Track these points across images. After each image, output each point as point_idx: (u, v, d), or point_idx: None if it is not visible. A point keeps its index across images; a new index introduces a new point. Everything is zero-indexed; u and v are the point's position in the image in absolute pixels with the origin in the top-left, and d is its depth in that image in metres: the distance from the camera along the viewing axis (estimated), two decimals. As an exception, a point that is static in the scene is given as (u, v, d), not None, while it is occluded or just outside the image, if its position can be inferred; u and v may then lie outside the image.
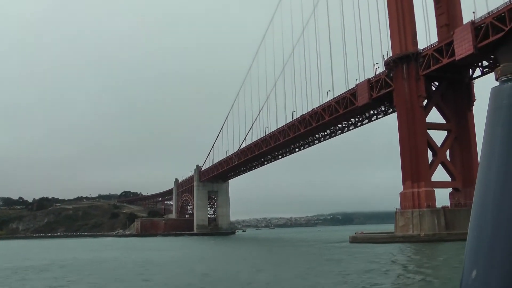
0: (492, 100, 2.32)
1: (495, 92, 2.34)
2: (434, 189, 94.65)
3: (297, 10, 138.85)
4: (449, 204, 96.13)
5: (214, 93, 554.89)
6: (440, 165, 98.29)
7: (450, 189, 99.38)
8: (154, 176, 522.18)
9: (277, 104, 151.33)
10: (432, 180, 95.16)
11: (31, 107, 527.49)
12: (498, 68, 2.38)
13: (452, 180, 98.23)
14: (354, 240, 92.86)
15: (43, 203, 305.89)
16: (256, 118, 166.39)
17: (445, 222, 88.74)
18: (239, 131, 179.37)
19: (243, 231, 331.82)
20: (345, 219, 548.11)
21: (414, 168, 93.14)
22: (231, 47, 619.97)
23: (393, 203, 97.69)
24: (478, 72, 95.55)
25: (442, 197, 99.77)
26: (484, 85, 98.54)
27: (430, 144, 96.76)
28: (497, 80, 2.38)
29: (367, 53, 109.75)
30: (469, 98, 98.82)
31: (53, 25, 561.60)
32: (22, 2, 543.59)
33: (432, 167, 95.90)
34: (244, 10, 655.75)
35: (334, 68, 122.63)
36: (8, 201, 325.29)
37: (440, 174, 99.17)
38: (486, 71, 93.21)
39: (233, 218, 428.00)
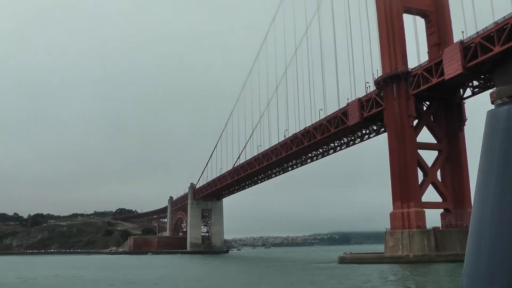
0: (488, 124, 2.49)
1: (491, 115, 2.49)
2: (425, 209, 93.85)
3: (290, 31, 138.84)
4: (440, 225, 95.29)
5: (208, 111, 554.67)
6: (431, 185, 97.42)
7: (442, 210, 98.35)
8: (150, 193, 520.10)
9: (271, 123, 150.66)
10: (422, 201, 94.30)
11: (25, 124, 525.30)
12: (494, 91, 2.56)
13: (443, 200, 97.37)
14: (342, 260, 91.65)
15: (38, 219, 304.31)
16: (250, 136, 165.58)
17: (435, 243, 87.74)
18: (233, 149, 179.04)
19: (238, 250, 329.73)
20: (342, 238, 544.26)
21: (404, 188, 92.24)
22: (225, 66, 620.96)
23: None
24: (468, 92, 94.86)
25: (433, 217, 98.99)
26: (475, 105, 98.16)
27: (421, 164, 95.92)
28: (492, 103, 2.52)
29: (359, 73, 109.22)
30: (460, 118, 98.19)
31: (43, 41, 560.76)
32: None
33: (422, 188, 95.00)
34: (237, 31, 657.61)
35: (327, 87, 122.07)
36: (3, 217, 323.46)
37: (431, 195, 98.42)
38: (476, 91, 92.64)
39: (229, 236, 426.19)
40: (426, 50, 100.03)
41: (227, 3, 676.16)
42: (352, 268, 73.45)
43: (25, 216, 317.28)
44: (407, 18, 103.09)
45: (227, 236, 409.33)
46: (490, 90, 56.70)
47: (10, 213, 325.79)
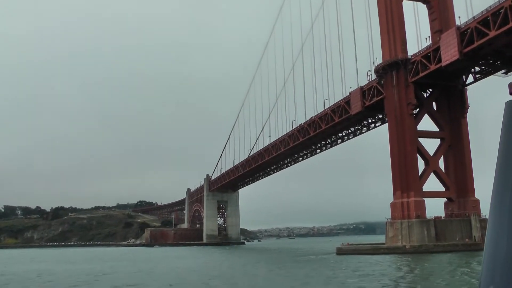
0: (507, 115, 2.40)
1: (509, 106, 2.40)
2: (428, 199, 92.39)
3: (297, 24, 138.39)
4: (444, 214, 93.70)
5: (222, 101, 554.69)
6: (433, 174, 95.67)
7: (445, 199, 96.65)
8: (170, 185, 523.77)
9: (282, 113, 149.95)
10: (424, 190, 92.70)
11: (44, 120, 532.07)
12: None
13: (445, 189, 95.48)
14: (340, 251, 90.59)
15: (58, 212, 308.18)
16: (262, 128, 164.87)
17: (435, 233, 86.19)
18: (244, 141, 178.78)
19: (258, 241, 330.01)
20: (368, 228, 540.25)
21: (404, 178, 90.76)
22: (236, 54, 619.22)
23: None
24: (471, 78, 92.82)
25: (438, 207, 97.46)
26: (478, 92, 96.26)
27: (422, 152, 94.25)
28: (511, 94, 2.48)
29: (365, 60, 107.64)
30: (463, 105, 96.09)
31: (45, 43, 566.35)
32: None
33: (423, 177, 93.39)
34: (246, 21, 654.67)
35: (334, 76, 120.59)
36: (25, 211, 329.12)
37: (434, 184, 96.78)
38: (478, 77, 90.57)
39: (254, 227, 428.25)
40: (430, 36, 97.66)
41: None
42: (339, 261, 72.61)
43: (48, 209, 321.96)
44: (411, 5, 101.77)
45: (253, 227, 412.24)
46: (492, 76, 54.77)
47: (33, 206, 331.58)
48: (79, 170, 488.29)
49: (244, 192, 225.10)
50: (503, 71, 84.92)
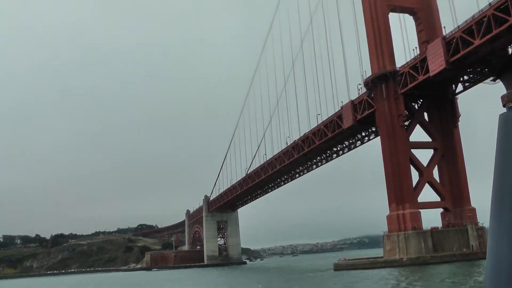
0: (501, 127, 2.52)
1: (503, 119, 2.53)
2: (424, 210, 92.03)
3: (287, 42, 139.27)
4: (441, 225, 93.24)
5: (217, 119, 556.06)
6: (428, 185, 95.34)
7: (441, 210, 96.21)
8: (170, 207, 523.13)
9: (276, 131, 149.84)
10: (419, 201, 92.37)
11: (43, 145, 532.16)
12: (505, 94, 2.75)
13: (441, 200, 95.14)
14: (337, 267, 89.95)
15: (58, 240, 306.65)
16: (258, 146, 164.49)
17: (433, 244, 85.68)
18: (241, 160, 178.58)
19: (261, 260, 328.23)
20: (372, 242, 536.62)
21: (398, 190, 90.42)
22: (228, 74, 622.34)
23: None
24: (461, 87, 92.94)
25: (435, 218, 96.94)
26: (469, 99, 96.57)
27: (415, 163, 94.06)
28: (504, 106, 2.68)
29: (356, 74, 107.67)
30: (454, 114, 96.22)
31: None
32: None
33: (418, 188, 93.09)
34: (237, 44, 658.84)
35: (325, 91, 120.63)
36: (25, 239, 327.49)
37: (429, 194, 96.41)
38: (467, 85, 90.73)
39: (258, 246, 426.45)
40: (417, 47, 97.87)
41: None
42: (334, 277, 72.04)
43: (48, 237, 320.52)
44: (399, 16, 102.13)
45: (256, 246, 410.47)
46: (481, 84, 54.96)
47: (33, 234, 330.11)
48: (79, 195, 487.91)
49: (246, 211, 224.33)
50: (491, 78, 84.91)
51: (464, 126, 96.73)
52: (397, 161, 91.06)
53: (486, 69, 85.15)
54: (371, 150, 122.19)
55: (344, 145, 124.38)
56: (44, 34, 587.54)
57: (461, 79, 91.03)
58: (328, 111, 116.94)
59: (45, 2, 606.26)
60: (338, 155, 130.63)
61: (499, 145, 2.48)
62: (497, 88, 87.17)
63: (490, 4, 71.65)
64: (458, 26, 78.09)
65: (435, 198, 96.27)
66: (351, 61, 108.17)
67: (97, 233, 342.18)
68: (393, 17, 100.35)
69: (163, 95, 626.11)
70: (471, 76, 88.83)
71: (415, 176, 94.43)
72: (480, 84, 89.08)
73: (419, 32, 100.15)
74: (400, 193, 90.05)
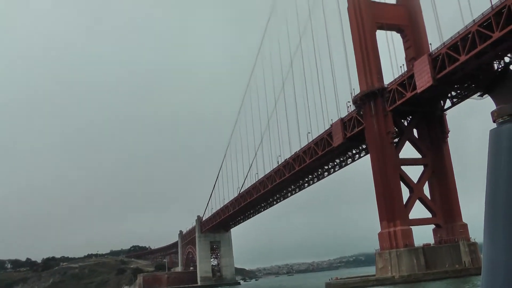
0: (492, 143, 2.55)
1: (494, 134, 2.55)
2: (415, 226, 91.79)
3: (276, 62, 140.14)
4: (433, 241, 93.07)
5: (208, 139, 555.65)
6: (419, 201, 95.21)
7: (433, 226, 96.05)
8: (163, 228, 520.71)
9: (267, 150, 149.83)
10: (410, 218, 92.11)
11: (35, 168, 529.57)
12: (495, 110, 2.63)
13: (432, 216, 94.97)
14: (329, 286, 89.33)
15: (49, 263, 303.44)
16: (250, 166, 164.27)
17: (425, 261, 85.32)
18: (233, 179, 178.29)
19: (255, 280, 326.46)
20: (368, 259, 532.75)
21: (389, 207, 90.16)
22: (219, 95, 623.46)
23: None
24: (449, 103, 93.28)
25: (428, 234, 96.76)
26: (458, 115, 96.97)
27: (405, 180, 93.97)
28: (494, 122, 2.60)
29: (346, 92, 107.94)
30: (443, 131, 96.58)
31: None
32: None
33: (409, 205, 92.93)
34: (226, 64, 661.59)
35: (312, 110, 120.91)
36: (16, 263, 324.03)
37: (421, 211, 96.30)
38: (455, 101, 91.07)
39: (253, 266, 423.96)
40: (404, 64, 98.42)
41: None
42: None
43: (39, 260, 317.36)
44: (387, 34, 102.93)
45: (251, 266, 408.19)
46: (469, 100, 55.09)
47: (23, 258, 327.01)
48: (70, 217, 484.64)
49: (240, 231, 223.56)
50: (478, 94, 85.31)
51: (453, 141, 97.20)
52: (387, 178, 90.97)
53: (474, 85, 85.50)
54: (364, 167, 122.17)
55: (335, 163, 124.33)
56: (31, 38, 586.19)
57: (449, 95, 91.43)
58: (319, 129, 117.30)
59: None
60: (329, 173, 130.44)
61: (490, 161, 2.48)
62: (485, 103, 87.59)
63: (474, 21, 72.25)
64: (444, 43, 78.67)
65: (427, 214, 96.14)
66: (340, 79, 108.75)
67: (89, 256, 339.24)
68: (382, 34, 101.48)
69: (154, 116, 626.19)
70: (459, 92, 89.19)
71: (406, 193, 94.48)
72: (469, 100, 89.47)
73: (406, 49, 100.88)
74: (391, 210, 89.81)
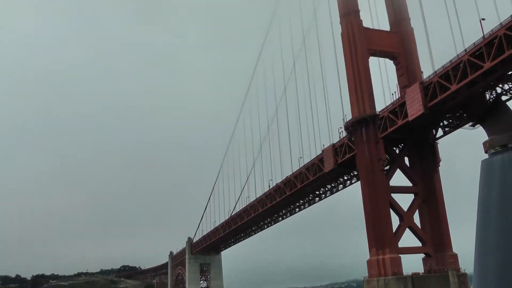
0: (484, 173, 2.55)
1: (486, 165, 2.54)
2: (405, 255, 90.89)
3: (270, 88, 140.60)
4: (422, 270, 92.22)
5: (201, 162, 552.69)
6: (409, 230, 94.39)
7: (423, 255, 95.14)
8: (153, 248, 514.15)
9: (259, 174, 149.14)
10: (400, 246, 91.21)
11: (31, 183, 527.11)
12: (487, 141, 2.49)
13: (422, 245, 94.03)
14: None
15: (38, 280, 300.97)
16: (242, 189, 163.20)
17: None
18: (224, 202, 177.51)
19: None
20: (360, 286, 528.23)
21: (378, 234, 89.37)
22: (212, 121, 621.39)
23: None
24: (441, 132, 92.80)
25: (417, 262, 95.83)
26: (450, 144, 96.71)
27: (396, 208, 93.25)
28: (486, 152, 2.54)
29: (339, 118, 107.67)
30: (434, 159, 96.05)
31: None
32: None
33: (398, 232, 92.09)
34: (220, 87, 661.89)
35: (305, 135, 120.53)
36: (5, 280, 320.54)
37: (411, 239, 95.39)
38: (447, 130, 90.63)
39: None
40: (396, 92, 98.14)
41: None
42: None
43: (29, 277, 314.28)
44: (381, 60, 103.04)
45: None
46: (461, 129, 54.47)
47: (13, 275, 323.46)
48: (61, 235, 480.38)
49: (231, 254, 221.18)
50: (470, 123, 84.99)
51: (445, 169, 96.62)
52: (376, 205, 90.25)
53: (465, 114, 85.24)
54: (357, 192, 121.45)
55: (326, 189, 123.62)
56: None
57: (441, 124, 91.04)
58: (311, 154, 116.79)
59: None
60: (320, 199, 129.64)
61: (482, 190, 2.14)
62: (476, 133, 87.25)
63: (465, 50, 72.25)
64: (435, 71, 78.59)
65: (417, 243, 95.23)
66: (334, 104, 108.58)
67: (79, 274, 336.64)
68: (375, 61, 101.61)
69: (146, 136, 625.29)
70: (450, 121, 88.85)
71: (396, 220, 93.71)
72: (460, 129, 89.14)
73: (399, 76, 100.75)
74: (380, 237, 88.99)
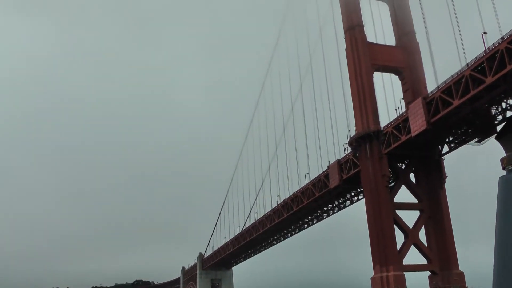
0: (501, 189, 2.50)
1: (504, 181, 2.50)
2: (410, 272, 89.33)
3: (278, 105, 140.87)
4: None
5: (211, 178, 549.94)
6: (414, 247, 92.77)
7: (429, 273, 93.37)
8: (166, 263, 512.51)
9: (268, 191, 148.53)
10: (405, 263, 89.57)
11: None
12: (504, 157, 2.44)
13: (428, 262, 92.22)
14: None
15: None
16: (252, 206, 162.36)
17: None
18: (234, 218, 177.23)
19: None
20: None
21: (382, 251, 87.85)
22: (222, 138, 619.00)
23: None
24: (446, 148, 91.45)
25: (422, 280, 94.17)
26: (456, 159, 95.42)
27: (400, 225, 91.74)
28: (503, 169, 2.48)
29: (343, 134, 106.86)
30: (440, 176, 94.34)
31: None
32: None
33: (403, 250, 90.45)
34: (233, 104, 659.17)
35: (313, 151, 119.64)
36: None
37: (417, 257, 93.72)
38: (453, 146, 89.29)
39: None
40: (399, 108, 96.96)
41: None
42: None
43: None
44: (385, 75, 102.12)
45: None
46: (466, 145, 53.25)
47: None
48: (75, 249, 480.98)
49: (243, 269, 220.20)
50: (475, 139, 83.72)
51: (451, 186, 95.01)
52: (380, 222, 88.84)
53: (470, 130, 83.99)
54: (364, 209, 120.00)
55: (334, 205, 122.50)
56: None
57: (447, 139, 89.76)
58: (319, 170, 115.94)
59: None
60: (328, 215, 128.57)
61: (500, 207, 2.07)
62: (480, 149, 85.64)
63: (467, 64, 71.27)
64: (438, 86, 77.59)
65: (423, 260, 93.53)
66: (341, 120, 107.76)
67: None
68: (381, 75, 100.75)
69: (156, 150, 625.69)
70: (456, 137, 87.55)
71: (401, 237, 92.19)
72: (466, 145, 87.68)
73: (404, 91, 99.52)
74: (384, 254, 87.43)
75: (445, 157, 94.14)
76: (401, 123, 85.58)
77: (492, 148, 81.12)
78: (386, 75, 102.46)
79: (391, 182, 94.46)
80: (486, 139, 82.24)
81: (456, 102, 72.33)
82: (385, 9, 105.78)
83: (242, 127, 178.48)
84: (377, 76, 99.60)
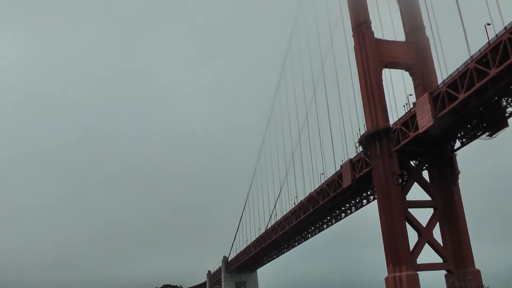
0: None
1: None
2: (425, 271, 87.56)
3: (293, 111, 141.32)
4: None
5: (232, 181, 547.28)
6: (429, 245, 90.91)
7: (444, 271, 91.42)
8: (194, 266, 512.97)
9: (286, 192, 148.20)
10: (419, 262, 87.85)
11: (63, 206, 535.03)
12: None
13: (443, 261, 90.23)
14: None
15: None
16: (274, 206, 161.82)
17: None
18: (254, 220, 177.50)
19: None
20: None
21: (395, 251, 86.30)
22: (240, 146, 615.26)
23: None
24: (458, 143, 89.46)
25: (439, 280, 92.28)
26: (467, 156, 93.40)
27: (413, 223, 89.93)
28: None
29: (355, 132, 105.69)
30: (453, 172, 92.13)
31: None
32: None
33: (417, 248, 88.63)
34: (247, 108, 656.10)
35: (329, 150, 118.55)
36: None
37: (432, 255, 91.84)
38: (464, 141, 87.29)
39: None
40: (407, 104, 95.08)
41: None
42: None
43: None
44: (395, 71, 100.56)
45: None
46: (478, 140, 52.04)
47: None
48: (103, 252, 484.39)
49: (268, 271, 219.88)
50: (487, 133, 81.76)
51: (465, 181, 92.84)
52: (392, 221, 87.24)
53: (481, 124, 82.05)
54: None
55: (351, 204, 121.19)
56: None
57: (459, 134, 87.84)
58: (335, 169, 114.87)
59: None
60: (346, 214, 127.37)
61: None
62: (496, 143, 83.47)
63: (472, 57, 69.57)
64: (444, 81, 76.00)
65: (439, 259, 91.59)
66: (355, 119, 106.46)
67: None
68: (392, 72, 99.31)
69: (180, 156, 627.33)
70: (467, 131, 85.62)
71: (415, 236, 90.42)
72: (479, 140, 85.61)
73: (415, 87, 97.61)
74: (397, 254, 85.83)
75: (457, 153, 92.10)
76: (409, 120, 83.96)
77: (505, 141, 79.33)
78: (398, 72, 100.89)
79: (404, 180, 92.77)
80: (498, 133, 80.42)
81: (461, 96, 70.60)
82: (394, 5, 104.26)
83: (259, 132, 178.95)
84: (388, 73, 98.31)
